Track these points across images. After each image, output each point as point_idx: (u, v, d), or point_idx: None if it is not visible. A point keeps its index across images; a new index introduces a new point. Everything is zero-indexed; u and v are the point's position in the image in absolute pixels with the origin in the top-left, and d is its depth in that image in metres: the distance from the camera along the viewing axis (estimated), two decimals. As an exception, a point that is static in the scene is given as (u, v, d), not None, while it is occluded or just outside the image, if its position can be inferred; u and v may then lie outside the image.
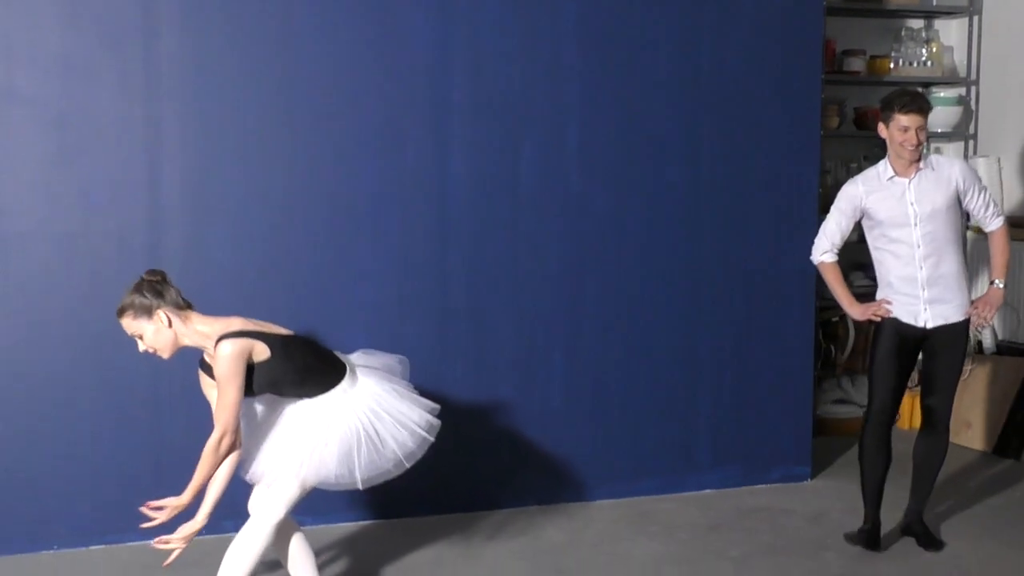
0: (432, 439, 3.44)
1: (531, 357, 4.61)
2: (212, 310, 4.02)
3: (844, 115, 5.96)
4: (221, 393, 3.17)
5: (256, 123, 4.22)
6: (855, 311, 4.23)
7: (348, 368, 3.38)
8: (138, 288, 3.22)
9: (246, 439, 3.33)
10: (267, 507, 3.28)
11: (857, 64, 5.86)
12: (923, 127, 3.96)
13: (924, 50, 5.94)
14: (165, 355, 3.26)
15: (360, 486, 3.31)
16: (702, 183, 4.75)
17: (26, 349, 4.04)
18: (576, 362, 4.66)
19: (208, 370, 3.32)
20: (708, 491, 4.83)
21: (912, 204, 4.01)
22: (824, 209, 5.51)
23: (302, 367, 3.30)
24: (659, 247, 4.72)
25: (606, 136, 4.62)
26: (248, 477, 3.34)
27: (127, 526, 4.05)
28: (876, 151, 6.03)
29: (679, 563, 4.01)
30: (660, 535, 4.31)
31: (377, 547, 4.19)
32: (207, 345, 3.22)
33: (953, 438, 5.54)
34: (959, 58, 6.12)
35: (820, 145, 4.97)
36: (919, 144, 3.96)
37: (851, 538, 4.18)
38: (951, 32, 6.13)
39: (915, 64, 5.93)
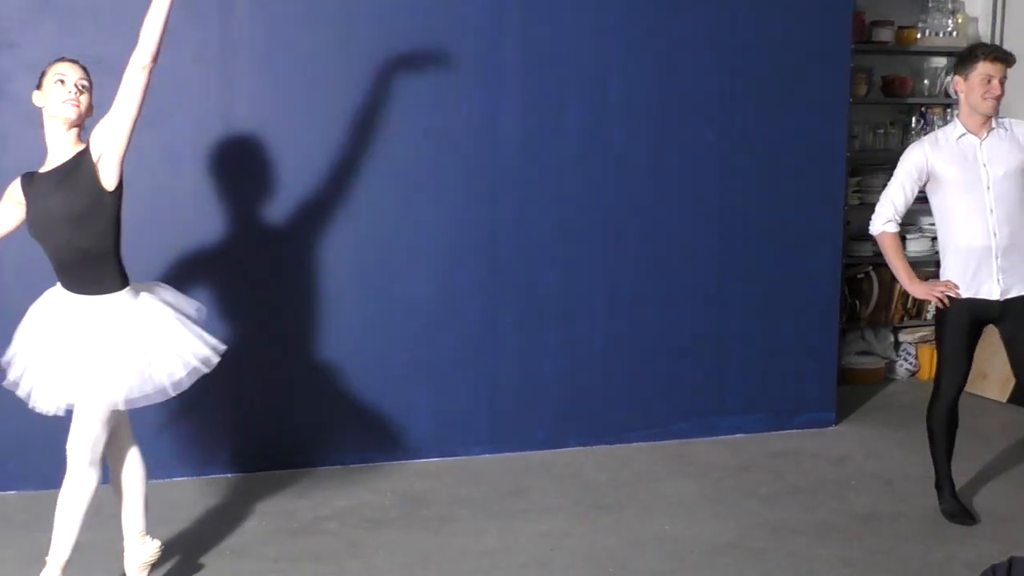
0: (206, 370, 3.28)
1: (572, 304, 4.88)
2: (281, 260, 4.40)
3: (872, 83, 6.17)
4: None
5: (320, 84, 4.51)
6: (917, 290, 3.98)
7: (130, 281, 3.25)
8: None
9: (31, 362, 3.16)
10: (74, 448, 3.16)
11: (885, 34, 6.05)
12: (1004, 79, 3.79)
13: (950, 21, 6.12)
14: (74, 115, 3.15)
15: (122, 405, 3.15)
16: (737, 143, 5.00)
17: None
18: (616, 311, 4.93)
19: (31, 186, 3.18)
20: (739, 435, 5.11)
21: (984, 165, 3.81)
22: (854, 172, 5.82)
23: (115, 234, 3.19)
24: (695, 203, 4.98)
25: (646, 95, 4.87)
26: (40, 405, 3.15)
27: (195, 461, 4.43)
28: (902, 117, 6.28)
29: (711, 501, 4.28)
30: (694, 475, 4.59)
31: (428, 483, 4.50)
32: (78, 138, 3.18)
33: (969, 387, 5.82)
34: (983, 28, 6.31)
35: (849, 110, 5.20)
36: (1000, 96, 3.78)
37: (952, 517, 4.05)
38: (976, 3, 6.31)
39: (941, 34, 6.12)
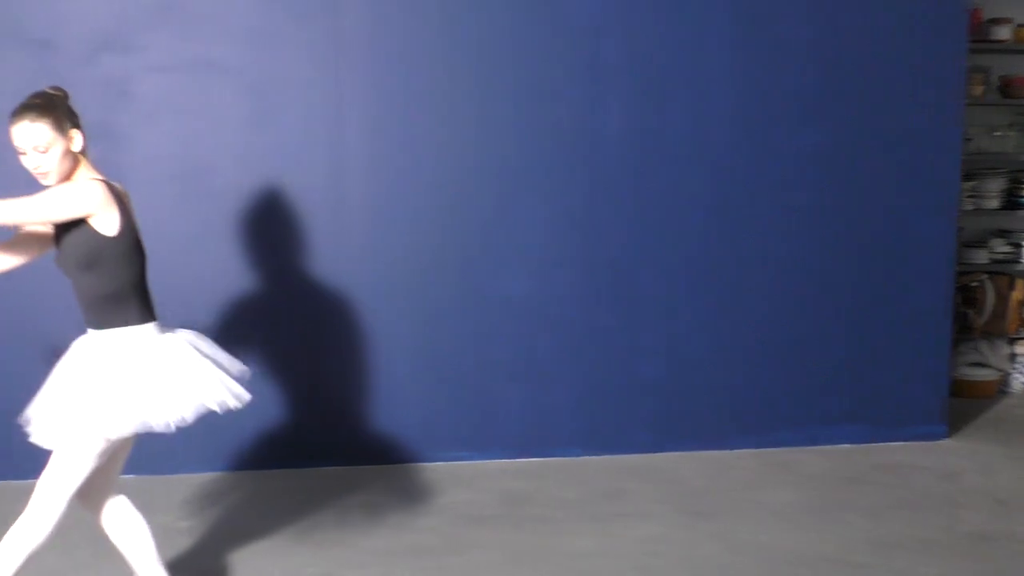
0: (218, 410, 2.93)
1: (674, 307, 4.84)
2: (384, 255, 4.44)
3: (989, 83, 5.97)
4: (43, 197, 2.76)
5: (426, 85, 4.57)
6: None
7: (156, 318, 2.98)
8: (55, 99, 2.82)
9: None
10: (46, 491, 2.84)
11: (1004, 32, 5.85)
12: None
13: (1074, 19, 5.89)
14: (52, 181, 2.82)
15: (114, 436, 2.85)
16: (844, 144, 4.89)
17: (217, 294, 4.49)
18: (718, 315, 4.88)
19: None
20: (844, 445, 5.00)
21: None
22: (968, 176, 5.63)
23: (128, 274, 2.89)
24: (801, 206, 4.88)
25: (751, 97, 4.80)
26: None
27: (295, 453, 4.52)
28: (1020, 119, 6.05)
29: (812, 512, 4.20)
30: (795, 484, 4.51)
31: (526, 483, 4.52)
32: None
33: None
34: (1109, 26, 6.05)
35: (964, 112, 5.04)
36: None
37: None
38: (1103, -1, 6.06)
39: (1064, 33, 5.90)
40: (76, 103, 4.30)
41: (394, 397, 4.67)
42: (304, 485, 4.44)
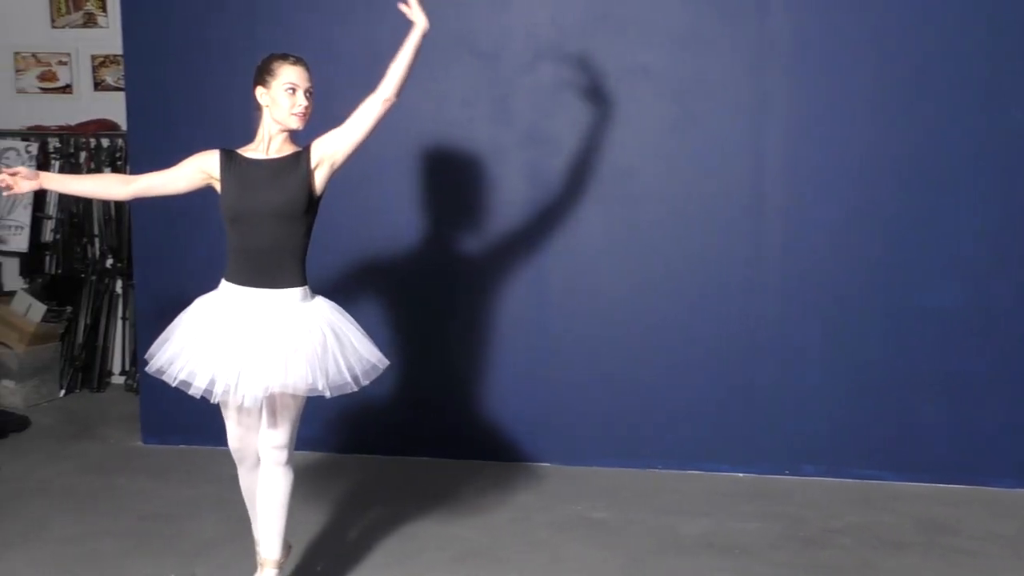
0: (363, 382, 3.17)
1: None
2: (801, 261, 4.33)
3: None
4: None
5: (853, 88, 4.36)
6: None
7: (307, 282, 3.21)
8: None
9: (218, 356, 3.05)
10: (283, 448, 3.17)
11: None
12: None
13: None
14: (302, 126, 3.15)
15: (328, 394, 3.08)
16: None
17: (645, 294, 4.60)
18: None
19: (232, 167, 3.15)
20: None
21: None
22: None
23: (309, 236, 3.19)
24: None
25: None
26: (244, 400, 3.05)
27: (718, 457, 4.54)
28: None
29: None
30: None
31: (950, 511, 4.19)
32: (290, 138, 3.20)
33: None
34: None
35: None
36: None
37: None
38: None
39: None
40: (514, 108, 4.64)
41: (803, 407, 4.52)
42: (714, 489, 4.45)
